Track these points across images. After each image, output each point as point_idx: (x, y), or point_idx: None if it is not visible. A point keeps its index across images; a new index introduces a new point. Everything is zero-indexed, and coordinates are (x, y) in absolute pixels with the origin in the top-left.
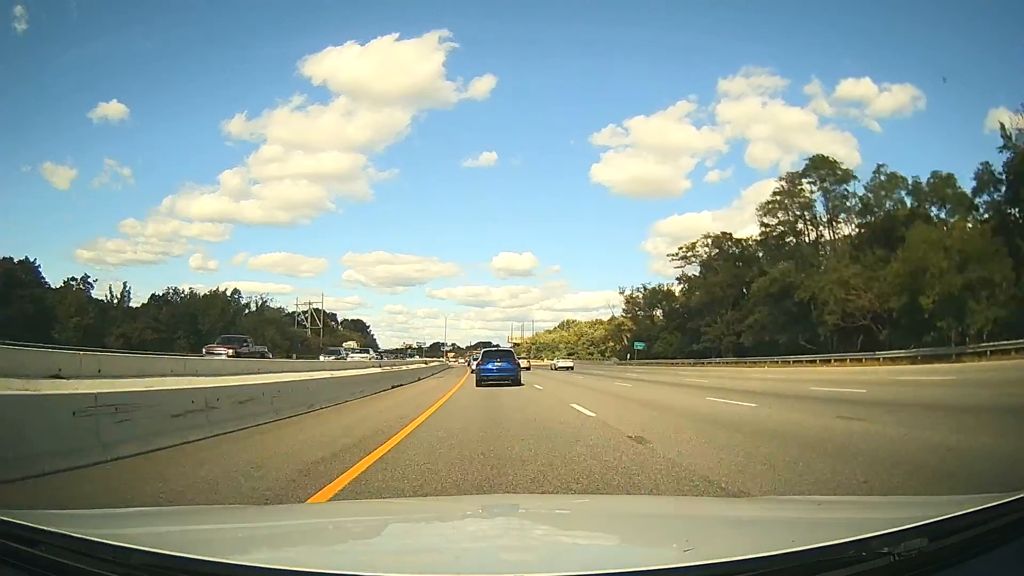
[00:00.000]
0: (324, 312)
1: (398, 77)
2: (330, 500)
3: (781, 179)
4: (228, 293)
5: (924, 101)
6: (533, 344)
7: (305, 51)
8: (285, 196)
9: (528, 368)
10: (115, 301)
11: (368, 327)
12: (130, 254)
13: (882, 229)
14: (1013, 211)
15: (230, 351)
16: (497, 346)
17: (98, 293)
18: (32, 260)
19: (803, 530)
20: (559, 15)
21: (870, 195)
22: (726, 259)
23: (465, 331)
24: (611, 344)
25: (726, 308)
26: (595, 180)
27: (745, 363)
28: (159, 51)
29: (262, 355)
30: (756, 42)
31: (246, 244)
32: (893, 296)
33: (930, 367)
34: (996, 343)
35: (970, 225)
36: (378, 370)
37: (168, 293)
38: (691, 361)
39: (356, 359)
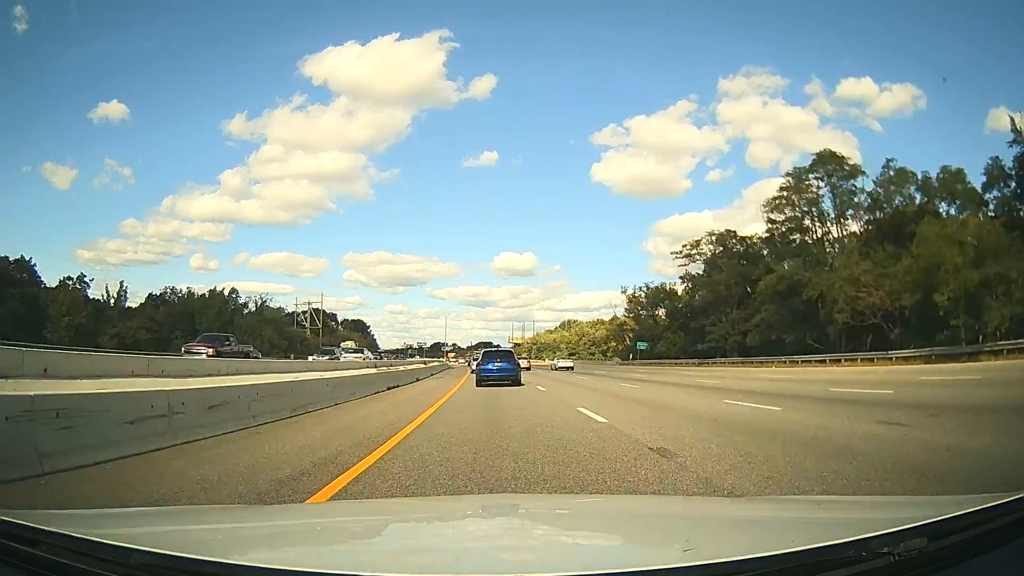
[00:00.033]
0: (324, 312)
1: (398, 77)
2: (329, 500)
3: (788, 175)
4: (226, 293)
5: (925, 101)
6: (534, 344)
7: (305, 51)
8: (286, 196)
9: (528, 368)
10: (112, 301)
11: (368, 327)
12: (131, 254)
13: (890, 225)
14: None
15: (210, 350)
16: (498, 346)
17: (96, 293)
18: (28, 259)
19: (803, 530)
20: (559, 15)
21: (880, 190)
22: (730, 257)
23: (466, 331)
24: (613, 344)
25: (731, 307)
26: (596, 180)
27: (751, 363)
28: (159, 51)
29: (246, 355)
30: (756, 42)
31: (247, 244)
32: (905, 293)
33: (946, 366)
34: (1014, 341)
35: (980, 220)
36: (373, 371)
37: (166, 293)
38: (695, 361)
39: (350, 359)
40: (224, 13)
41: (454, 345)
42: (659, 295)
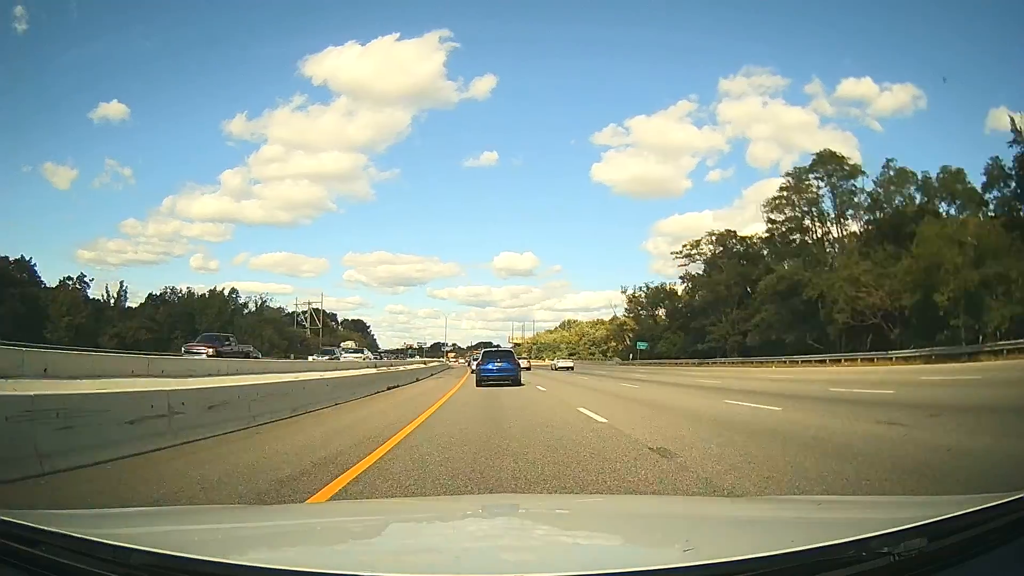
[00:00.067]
0: (324, 312)
1: (399, 77)
2: (329, 500)
3: (788, 174)
4: (226, 293)
5: (925, 101)
6: (534, 344)
7: (306, 51)
8: (286, 196)
9: (528, 368)
10: (112, 301)
11: (369, 327)
12: (131, 254)
13: (890, 225)
14: None
15: (210, 350)
16: (498, 346)
17: (96, 293)
18: (28, 259)
19: (803, 530)
20: (559, 15)
21: (880, 190)
22: (730, 257)
23: (466, 331)
24: (613, 344)
25: (731, 307)
26: (596, 180)
27: (751, 363)
28: (159, 51)
29: (246, 355)
30: (757, 42)
31: (247, 244)
32: (905, 293)
33: (946, 366)
34: (1013, 341)
35: (980, 220)
36: (373, 371)
37: (166, 293)
38: (695, 361)
39: (350, 359)
40: (224, 13)
41: (454, 345)
42: (659, 295)
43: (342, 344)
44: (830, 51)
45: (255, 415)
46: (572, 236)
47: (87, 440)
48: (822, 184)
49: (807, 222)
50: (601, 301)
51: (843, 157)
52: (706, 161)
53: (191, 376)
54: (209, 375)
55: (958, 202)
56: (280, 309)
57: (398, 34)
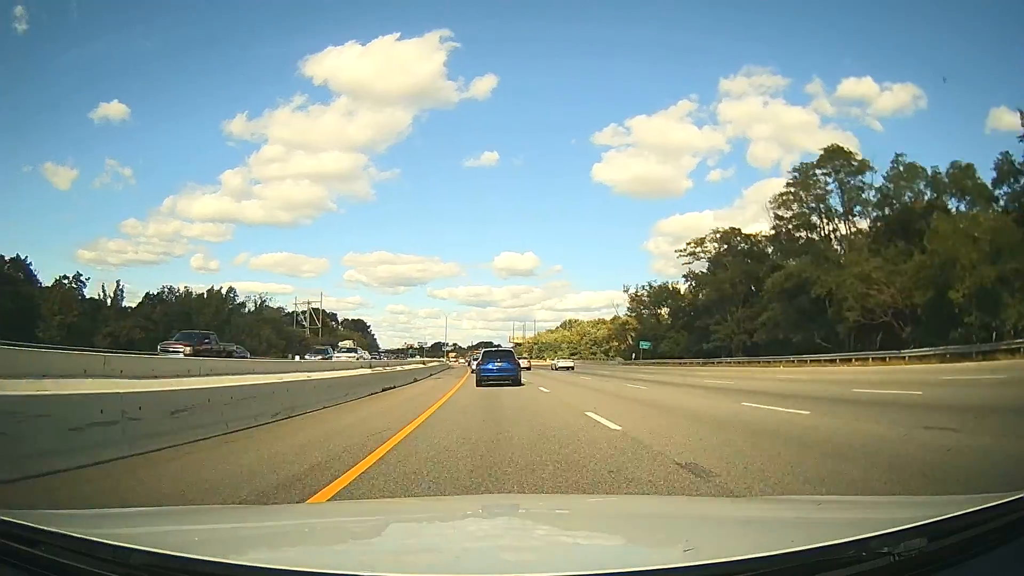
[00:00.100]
0: (324, 312)
1: (399, 77)
2: (330, 500)
3: (795, 170)
4: (224, 292)
5: (925, 100)
6: (535, 344)
7: (306, 51)
8: (286, 196)
9: (528, 368)
10: (108, 300)
11: (369, 327)
12: (131, 254)
13: (899, 222)
14: None
15: (187, 349)
16: (498, 346)
17: (94, 292)
18: (24, 258)
19: (803, 530)
20: (560, 15)
21: (890, 185)
22: (735, 255)
23: (467, 331)
24: (615, 344)
25: (736, 305)
26: (597, 180)
27: (759, 363)
28: (160, 51)
29: (229, 354)
30: (757, 42)
31: (248, 244)
32: (917, 291)
33: (964, 365)
34: None
35: (995, 215)
36: (367, 371)
37: (163, 292)
38: (700, 361)
39: (343, 359)
40: (224, 13)
41: (455, 345)
42: (662, 294)
43: (340, 344)
44: (830, 51)
45: (228, 421)
46: (573, 236)
47: (23, 449)
48: (830, 180)
49: (814, 218)
50: (602, 301)
51: (851, 152)
52: (707, 161)
53: (156, 377)
54: (177, 376)
55: (968, 198)
56: (280, 309)
57: (398, 34)
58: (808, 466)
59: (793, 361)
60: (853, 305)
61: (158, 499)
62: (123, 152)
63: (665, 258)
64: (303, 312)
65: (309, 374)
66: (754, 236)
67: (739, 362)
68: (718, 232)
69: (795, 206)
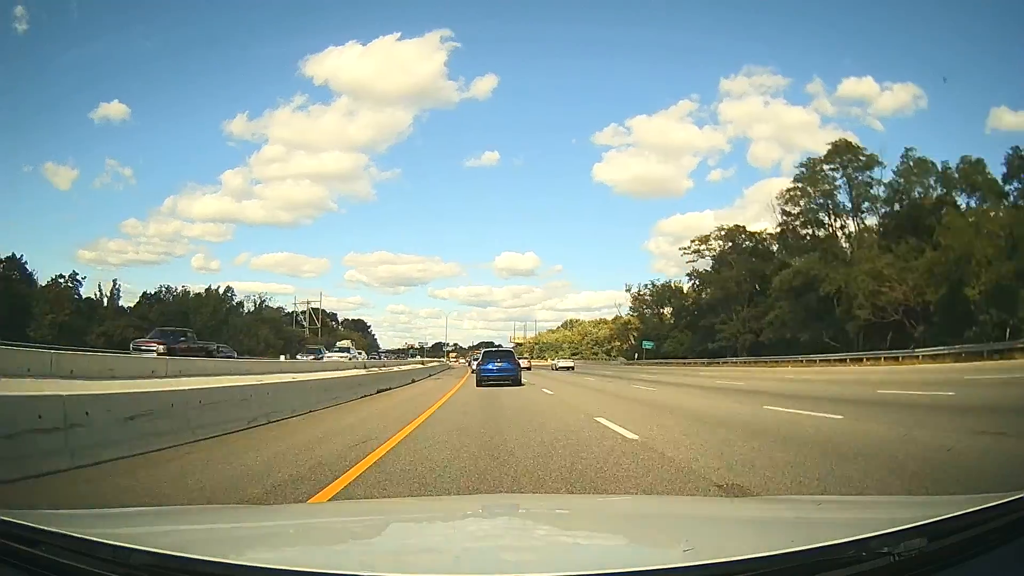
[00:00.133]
0: (324, 312)
1: (400, 77)
2: (330, 500)
3: (802, 165)
4: (221, 291)
5: (926, 100)
6: (536, 344)
7: (306, 51)
8: (287, 196)
9: (528, 368)
10: (105, 299)
11: (370, 327)
12: (132, 254)
13: (908, 217)
14: None
15: (161, 347)
16: (499, 346)
17: (90, 292)
18: (19, 256)
19: (803, 530)
20: (560, 15)
21: (901, 180)
22: (740, 253)
23: (467, 331)
24: (617, 343)
25: (742, 304)
26: (597, 179)
27: (765, 363)
28: (160, 51)
29: (209, 353)
30: (757, 41)
31: (248, 244)
32: (929, 288)
33: (982, 364)
34: None
35: (1010, 210)
36: (361, 372)
37: (161, 291)
38: (704, 361)
39: (334, 359)
40: (224, 13)
41: (455, 345)
42: (665, 293)
43: (338, 343)
44: (831, 51)
45: (196, 428)
46: (573, 236)
47: None
48: (837, 176)
49: (822, 215)
50: (603, 301)
51: (859, 147)
52: (707, 161)
53: (114, 378)
54: (140, 377)
55: (978, 193)
56: (280, 309)
57: (399, 34)
58: (871, 483)
59: (801, 361)
60: (863, 303)
61: None
62: (123, 152)
63: (666, 258)
64: (303, 312)
65: (295, 376)
66: (759, 234)
67: (745, 362)
68: (723, 229)
69: (803, 202)
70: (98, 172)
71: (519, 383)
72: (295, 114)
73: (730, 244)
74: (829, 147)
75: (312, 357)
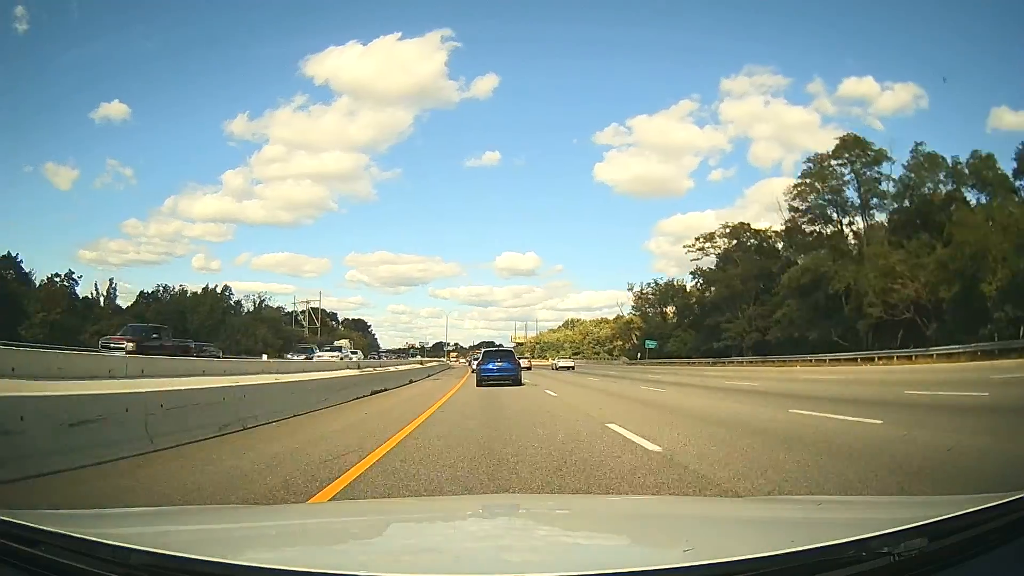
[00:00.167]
0: (324, 311)
1: (400, 77)
2: (330, 500)
3: (809, 160)
4: (219, 291)
5: (926, 100)
6: (537, 344)
7: (307, 51)
8: (288, 196)
9: (529, 368)
10: (101, 299)
11: (370, 327)
12: (132, 254)
13: (918, 213)
14: None
15: (131, 344)
16: (499, 346)
17: (87, 291)
18: (15, 255)
19: (803, 530)
20: (561, 15)
21: (911, 175)
22: (745, 251)
23: (468, 331)
24: (619, 343)
25: (747, 303)
26: (598, 179)
27: (773, 362)
28: (160, 51)
29: (185, 351)
30: (758, 41)
31: (249, 244)
32: (942, 285)
33: (1002, 363)
34: None
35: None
36: (354, 372)
37: (158, 291)
38: (709, 360)
39: (324, 358)
40: (224, 13)
41: (456, 345)
42: (668, 292)
43: (336, 343)
44: (831, 51)
45: (155, 435)
46: (574, 236)
47: None
48: (845, 171)
49: (830, 211)
50: (603, 301)
51: (868, 142)
52: (708, 161)
53: (61, 378)
54: (93, 377)
55: (988, 189)
56: (279, 309)
57: (400, 34)
58: None
59: (810, 360)
60: (874, 300)
61: None
62: (124, 152)
63: (666, 258)
64: (302, 312)
65: (279, 376)
66: (763, 231)
67: (751, 361)
68: (728, 227)
69: (811, 197)
70: (99, 172)
71: (519, 383)
72: (296, 114)
73: (735, 242)
74: (837, 142)
75: (303, 356)
